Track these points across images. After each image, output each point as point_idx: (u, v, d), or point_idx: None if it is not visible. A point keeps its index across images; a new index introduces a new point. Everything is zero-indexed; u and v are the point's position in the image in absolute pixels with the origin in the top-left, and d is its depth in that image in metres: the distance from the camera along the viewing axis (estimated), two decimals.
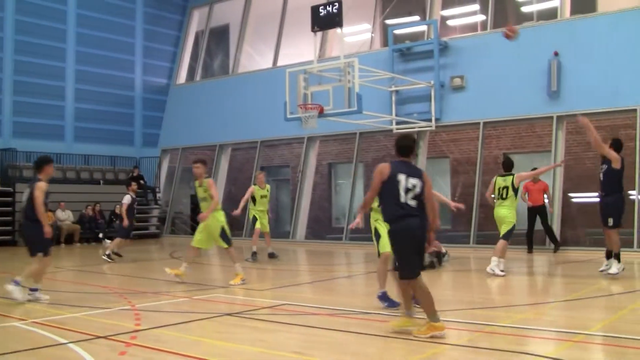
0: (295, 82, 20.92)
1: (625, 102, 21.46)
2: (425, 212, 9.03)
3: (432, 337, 8.59)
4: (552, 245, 21.29)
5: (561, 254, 20.62)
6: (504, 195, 15.84)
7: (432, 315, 8.82)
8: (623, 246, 15.01)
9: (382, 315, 10.44)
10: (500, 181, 15.90)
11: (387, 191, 8.94)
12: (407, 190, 8.90)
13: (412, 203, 8.88)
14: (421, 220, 8.93)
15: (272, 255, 20.59)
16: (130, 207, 21.57)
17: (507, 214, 15.82)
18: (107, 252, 20.99)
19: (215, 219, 14.85)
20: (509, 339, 8.84)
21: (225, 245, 14.88)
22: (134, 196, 21.86)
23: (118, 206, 30.44)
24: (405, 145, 9.32)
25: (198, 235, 15.11)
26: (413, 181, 8.96)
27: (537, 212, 21.27)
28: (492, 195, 16.28)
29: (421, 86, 24.74)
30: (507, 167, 16.13)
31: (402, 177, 8.92)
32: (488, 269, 15.49)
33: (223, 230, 14.84)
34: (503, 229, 15.86)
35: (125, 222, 21.25)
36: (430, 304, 8.89)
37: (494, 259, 15.52)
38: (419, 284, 8.98)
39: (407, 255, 8.97)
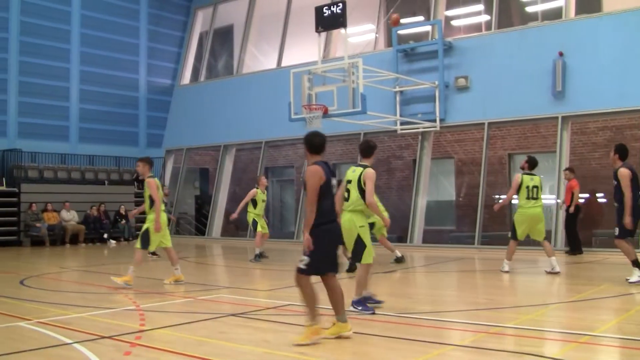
0: (300, 83, 20.90)
1: (630, 102, 21.37)
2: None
3: (314, 342, 8.44)
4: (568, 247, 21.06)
5: (566, 254, 20.57)
6: (535, 195, 15.66)
7: (342, 314, 8.85)
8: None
9: (386, 316, 10.42)
10: (528, 180, 15.62)
11: (323, 195, 8.67)
12: (334, 191, 8.94)
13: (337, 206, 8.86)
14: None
15: (263, 255, 20.57)
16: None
17: (542, 213, 15.76)
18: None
19: (147, 219, 14.72)
20: (513, 340, 8.84)
21: (138, 246, 14.61)
22: (165, 201, 21.92)
23: (122, 206, 30.62)
24: (320, 143, 8.97)
25: (155, 237, 14.92)
26: (334, 182, 8.88)
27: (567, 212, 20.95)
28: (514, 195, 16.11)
29: (425, 86, 24.72)
30: (533, 165, 15.96)
31: (332, 180, 8.81)
32: (555, 270, 15.47)
33: (146, 231, 14.56)
34: (542, 229, 15.79)
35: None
36: (340, 302, 8.92)
37: (553, 259, 15.52)
38: (310, 283, 8.78)
39: (329, 254, 8.91)
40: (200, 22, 35.95)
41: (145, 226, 14.62)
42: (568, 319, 10.46)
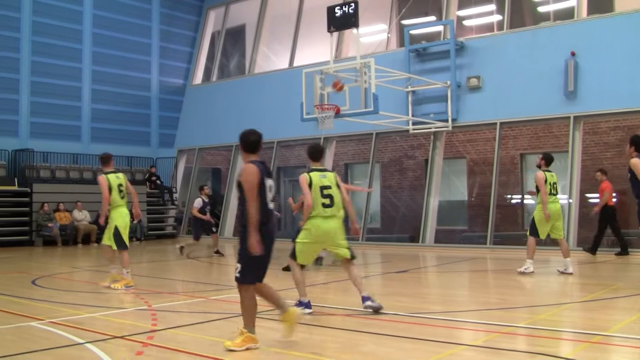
0: (312, 83, 20.91)
1: None
2: None
3: (247, 349, 8.20)
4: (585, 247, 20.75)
5: (578, 254, 20.51)
6: (555, 191, 15.62)
7: (252, 326, 8.40)
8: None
9: (398, 316, 10.42)
10: (549, 176, 15.52)
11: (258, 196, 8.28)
12: (269, 192, 8.52)
13: (272, 206, 8.56)
14: None
15: None
16: (200, 211, 22.28)
17: (561, 209, 15.76)
18: (179, 245, 21.96)
19: (110, 217, 14.67)
20: (526, 340, 8.83)
21: (114, 247, 14.50)
22: (205, 200, 22.49)
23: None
24: (256, 141, 8.60)
25: (106, 233, 14.87)
26: (270, 183, 8.53)
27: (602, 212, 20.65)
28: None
29: (437, 86, 24.71)
30: (550, 162, 15.88)
31: (267, 181, 8.45)
32: (568, 270, 15.43)
33: (116, 231, 14.45)
34: (561, 226, 15.82)
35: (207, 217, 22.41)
36: (254, 313, 8.51)
37: (568, 260, 15.49)
38: (252, 291, 8.48)
39: (264, 261, 8.47)
40: (213, 21, 35.99)
41: (112, 225, 14.52)
42: (580, 318, 10.44)
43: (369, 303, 10.66)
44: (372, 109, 19.87)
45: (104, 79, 32.48)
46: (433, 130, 25.48)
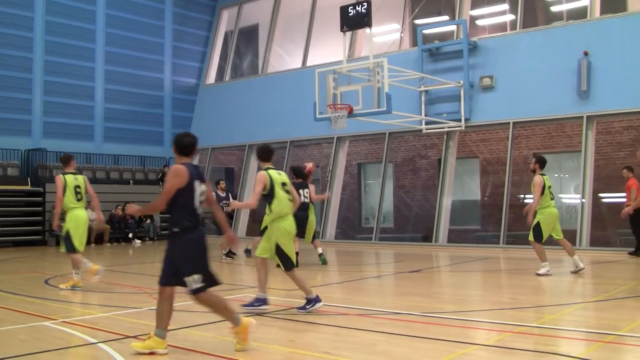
0: (325, 82, 20.93)
1: None
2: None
3: (152, 353, 8.02)
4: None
5: (591, 254, 20.48)
6: (553, 194, 15.56)
7: (163, 329, 8.20)
8: None
9: (411, 316, 10.42)
10: (546, 180, 15.47)
11: (182, 198, 8.11)
12: (199, 197, 8.25)
13: (201, 211, 8.31)
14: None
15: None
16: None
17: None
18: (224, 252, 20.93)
19: (65, 220, 14.57)
20: (538, 340, 8.81)
21: (62, 249, 14.40)
22: (222, 195, 21.89)
23: None
24: (190, 144, 8.39)
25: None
26: (202, 187, 8.29)
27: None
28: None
29: (450, 86, 24.70)
30: (544, 164, 15.80)
31: (197, 184, 8.20)
32: (579, 267, 15.39)
33: (67, 234, 14.22)
34: (560, 228, 15.72)
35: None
36: (168, 316, 8.29)
37: (576, 257, 15.43)
38: (168, 293, 8.33)
39: (203, 265, 8.19)
40: (226, 21, 36.02)
41: (64, 228, 14.33)
42: (593, 318, 10.42)
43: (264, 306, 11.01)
44: (385, 108, 19.88)
45: (116, 79, 32.59)
46: (446, 130, 25.48)
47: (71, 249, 14.14)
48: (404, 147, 31.73)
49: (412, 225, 30.98)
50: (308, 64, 30.16)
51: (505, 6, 26.46)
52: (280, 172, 11.10)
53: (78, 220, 14.33)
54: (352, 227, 32.33)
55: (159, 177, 32.77)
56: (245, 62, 36.59)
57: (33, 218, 28.34)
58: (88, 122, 31.97)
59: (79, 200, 14.45)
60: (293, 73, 30.94)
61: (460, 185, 29.47)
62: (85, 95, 31.74)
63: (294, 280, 10.94)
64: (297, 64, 31.49)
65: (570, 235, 21.37)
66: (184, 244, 8.09)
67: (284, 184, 10.93)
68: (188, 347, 8.36)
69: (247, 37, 36.44)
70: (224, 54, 35.88)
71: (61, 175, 14.29)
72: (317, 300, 10.69)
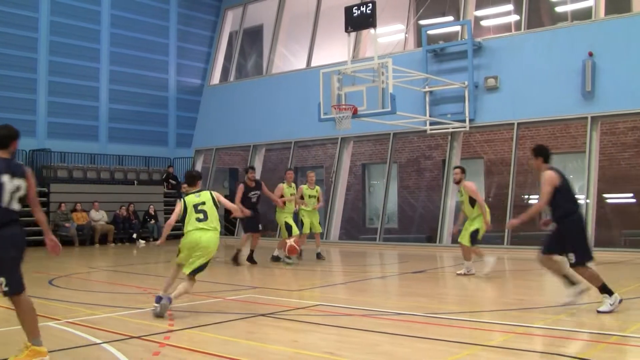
0: (329, 83, 20.91)
1: None
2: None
3: None
4: None
5: (595, 254, 20.40)
6: None
7: (37, 336, 7.68)
8: None
9: (415, 316, 10.41)
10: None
11: None
12: (11, 193, 7.49)
13: (17, 207, 7.57)
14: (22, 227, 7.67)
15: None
16: (242, 200, 18.69)
17: None
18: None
19: None
20: (543, 340, 8.80)
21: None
22: (251, 186, 19.35)
23: (152, 206, 30.72)
24: (5, 136, 7.89)
25: None
26: (17, 182, 7.55)
27: None
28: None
29: (455, 87, 24.68)
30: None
31: (6, 179, 7.48)
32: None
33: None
34: None
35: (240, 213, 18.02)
36: (35, 321, 7.72)
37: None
38: (23, 300, 7.62)
39: (14, 267, 7.54)
40: (230, 22, 36.02)
41: None
42: (597, 319, 10.38)
43: (156, 303, 10.81)
44: (389, 109, 19.85)
45: (121, 79, 32.60)
46: (450, 130, 25.46)
47: None
48: (408, 148, 31.72)
49: (417, 225, 30.95)
50: (312, 64, 30.14)
51: (509, 7, 26.44)
52: (200, 193, 11.32)
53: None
54: (356, 227, 32.31)
55: (163, 177, 32.79)
56: (250, 63, 36.61)
57: None
58: (93, 122, 31.97)
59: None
60: (297, 74, 30.92)
61: None
62: (89, 96, 31.76)
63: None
64: (301, 64, 31.49)
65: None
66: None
67: (197, 204, 11.16)
68: (192, 348, 8.34)
69: (252, 37, 36.46)
70: (228, 54, 35.90)
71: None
72: (168, 299, 10.69)
